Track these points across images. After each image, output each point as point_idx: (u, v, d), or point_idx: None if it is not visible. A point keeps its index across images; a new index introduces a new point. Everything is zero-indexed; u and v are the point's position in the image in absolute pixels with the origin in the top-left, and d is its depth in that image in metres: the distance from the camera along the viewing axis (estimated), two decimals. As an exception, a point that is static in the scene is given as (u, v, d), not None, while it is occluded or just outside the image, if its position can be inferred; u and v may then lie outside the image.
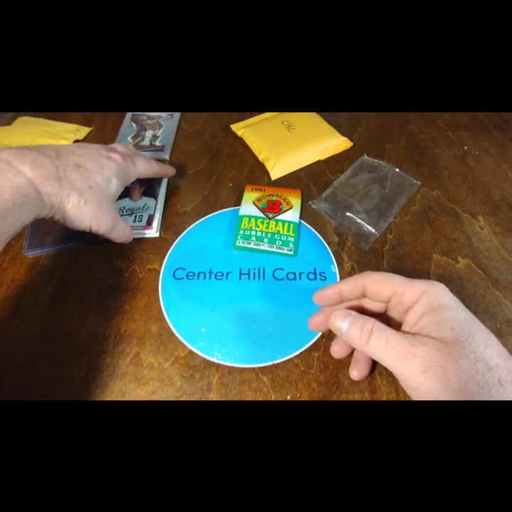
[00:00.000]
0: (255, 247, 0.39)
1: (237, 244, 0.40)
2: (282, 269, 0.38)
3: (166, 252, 0.40)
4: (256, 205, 0.43)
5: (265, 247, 0.39)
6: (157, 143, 0.53)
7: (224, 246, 0.40)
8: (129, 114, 0.58)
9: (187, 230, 0.42)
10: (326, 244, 0.41)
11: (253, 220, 0.42)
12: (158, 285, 0.37)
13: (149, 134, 0.54)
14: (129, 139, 0.54)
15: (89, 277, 0.38)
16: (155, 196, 0.45)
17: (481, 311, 0.35)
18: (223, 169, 0.50)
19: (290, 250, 0.39)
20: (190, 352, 0.33)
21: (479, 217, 0.44)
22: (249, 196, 0.44)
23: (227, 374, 0.32)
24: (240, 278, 0.38)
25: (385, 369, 0.32)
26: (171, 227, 0.43)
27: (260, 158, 0.50)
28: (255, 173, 0.49)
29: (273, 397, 0.30)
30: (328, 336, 0.34)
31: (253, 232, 0.40)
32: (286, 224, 0.42)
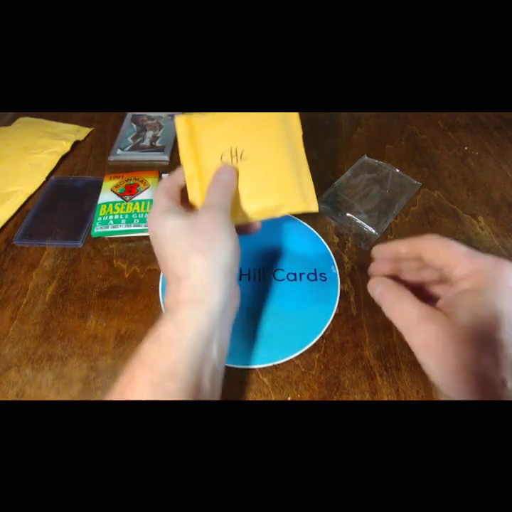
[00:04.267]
0: (113, 229, 0.41)
1: (95, 230, 0.41)
2: (282, 270, 0.38)
3: (167, 253, 0.40)
4: (114, 192, 0.44)
5: (123, 227, 0.41)
6: (157, 143, 0.53)
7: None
8: (129, 115, 0.58)
9: (187, 231, 0.42)
10: (326, 245, 0.41)
11: (111, 205, 0.43)
12: (158, 286, 0.37)
13: (150, 134, 0.54)
14: (130, 139, 0.54)
15: (89, 278, 0.38)
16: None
17: (481, 311, 0.35)
18: (223, 170, 0.49)
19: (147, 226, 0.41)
20: (191, 353, 0.33)
21: (480, 218, 0.43)
22: (108, 185, 0.45)
23: (227, 375, 0.32)
24: (240, 278, 0.37)
25: (386, 370, 0.32)
26: (171, 227, 0.43)
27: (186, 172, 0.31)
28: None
29: (273, 398, 0.30)
30: (329, 337, 0.34)
31: (110, 217, 0.42)
32: (143, 203, 0.43)
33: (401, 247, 0.27)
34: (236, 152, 0.31)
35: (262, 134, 0.32)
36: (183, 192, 0.31)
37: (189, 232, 0.26)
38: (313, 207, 0.32)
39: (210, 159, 0.31)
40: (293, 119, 0.33)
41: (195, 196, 0.31)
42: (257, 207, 0.31)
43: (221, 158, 0.31)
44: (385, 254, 0.29)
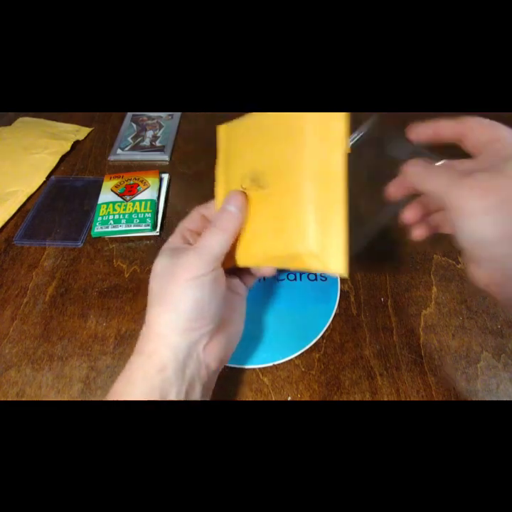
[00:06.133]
0: (114, 229, 0.41)
1: (95, 230, 0.41)
2: (282, 270, 0.38)
3: (167, 253, 0.40)
4: (114, 192, 0.45)
5: (123, 227, 0.41)
6: (157, 143, 0.53)
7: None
8: (129, 115, 0.58)
9: (187, 231, 0.42)
10: (327, 245, 0.41)
11: (111, 205, 0.43)
12: (158, 286, 0.37)
13: (150, 134, 0.54)
14: (130, 139, 0.54)
15: (89, 278, 0.38)
16: (157, 196, 0.45)
17: (482, 311, 0.35)
18: (223, 169, 0.50)
19: (148, 226, 0.41)
20: (191, 353, 0.33)
21: (480, 218, 0.43)
22: (108, 185, 0.45)
23: (228, 374, 0.32)
24: (241, 278, 0.37)
25: (386, 370, 0.32)
26: (172, 227, 0.43)
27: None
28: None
29: (274, 398, 0.30)
30: (329, 337, 0.34)
31: (110, 217, 0.42)
32: (143, 203, 0.43)
33: (442, 130, 0.28)
34: (257, 176, 0.26)
35: (289, 154, 0.24)
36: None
37: (161, 275, 0.25)
38: (335, 266, 0.22)
39: (236, 182, 0.27)
40: (336, 128, 0.24)
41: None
42: (262, 252, 0.25)
43: (243, 182, 0.27)
44: (422, 136, 0.29)
